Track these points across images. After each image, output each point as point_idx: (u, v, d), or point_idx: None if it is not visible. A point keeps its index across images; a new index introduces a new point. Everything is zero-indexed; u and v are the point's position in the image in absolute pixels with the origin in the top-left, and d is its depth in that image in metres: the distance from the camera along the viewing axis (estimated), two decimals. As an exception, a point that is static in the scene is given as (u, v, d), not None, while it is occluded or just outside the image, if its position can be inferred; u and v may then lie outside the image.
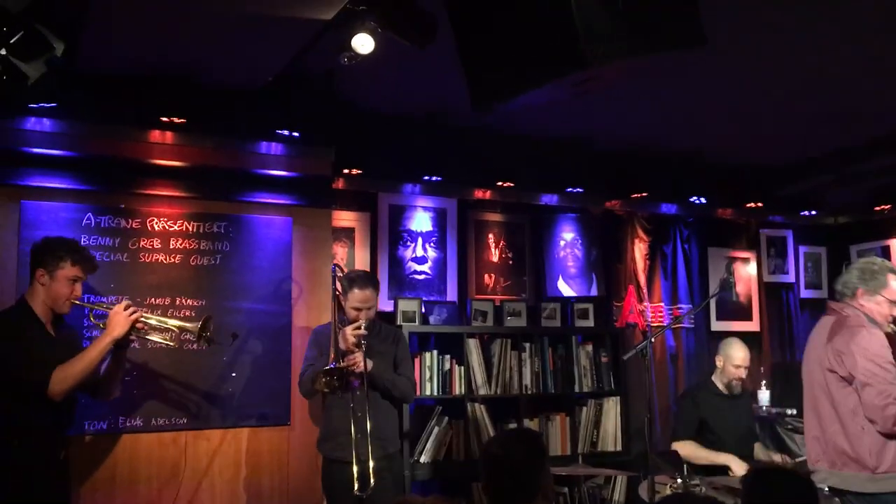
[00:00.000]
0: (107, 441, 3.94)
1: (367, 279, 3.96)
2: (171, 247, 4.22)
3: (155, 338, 3.67)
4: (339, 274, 3.91)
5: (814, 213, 6.45)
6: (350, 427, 3.67)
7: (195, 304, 4.22)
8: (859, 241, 6.35)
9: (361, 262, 5.01)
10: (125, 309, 3.41)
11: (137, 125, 4.12)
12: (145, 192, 4.20)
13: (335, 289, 3.85)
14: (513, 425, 4.90)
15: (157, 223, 4.21)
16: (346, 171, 4.89)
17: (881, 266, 3.63)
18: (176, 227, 4.24)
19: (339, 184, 4.91)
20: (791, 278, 6.44)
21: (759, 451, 4.73)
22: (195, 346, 3.97)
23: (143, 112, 4.10)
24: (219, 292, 4.27)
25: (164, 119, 4.13)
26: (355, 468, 3.62)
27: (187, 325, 3.64)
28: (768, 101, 4.50)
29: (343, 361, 3.68)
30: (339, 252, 4.95)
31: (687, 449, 4.50)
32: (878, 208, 6.20)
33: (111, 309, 3.45)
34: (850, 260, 6.29)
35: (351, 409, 3.70)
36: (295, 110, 4.33)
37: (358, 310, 3.86)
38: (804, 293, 6.48)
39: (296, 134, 4.43)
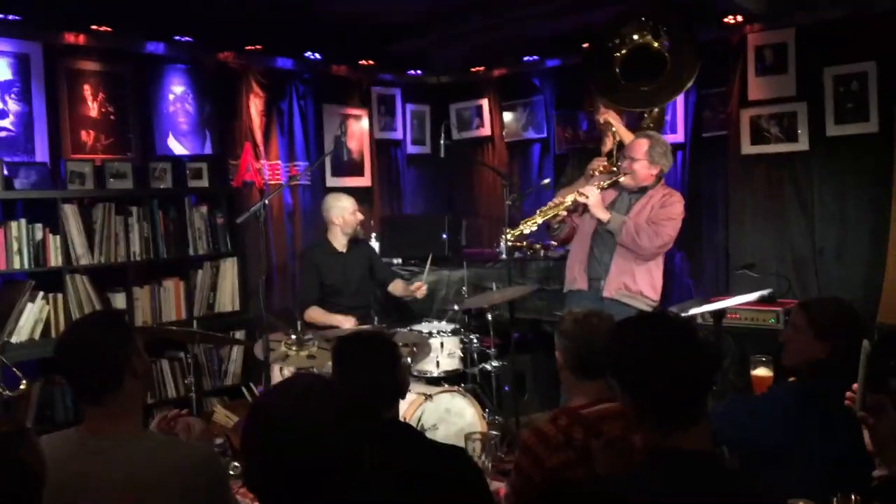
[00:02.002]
0: None
1: None
2: None
3: None
4: None
5: (419, 72, 6.80)
6: None
7: None
8: (457, 100, 6.88)
9: (-83, 115, 4.15)
10: None
11: None
12: None
13: None
14: (121, 294, 4.62)
15: None
16: None
17: None
18: None
19: None
20: (399, 135, 6.81)
21: (398, 286, 5.07)
22: None
23: None
24: None
25: None
26: None
27: None
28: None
29: None
30: None
31: (312, 314, 4.72)
32: (473, 69, 6.73)
33: None
34: (450, 118, 6.84)
35: None
36: None
37: None
38: (410, 149, 6.91)
39: None
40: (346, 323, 4.61)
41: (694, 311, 3.92)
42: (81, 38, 4.79)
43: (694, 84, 5.04)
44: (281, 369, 4.05)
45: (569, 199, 4.18)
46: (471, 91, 6.81)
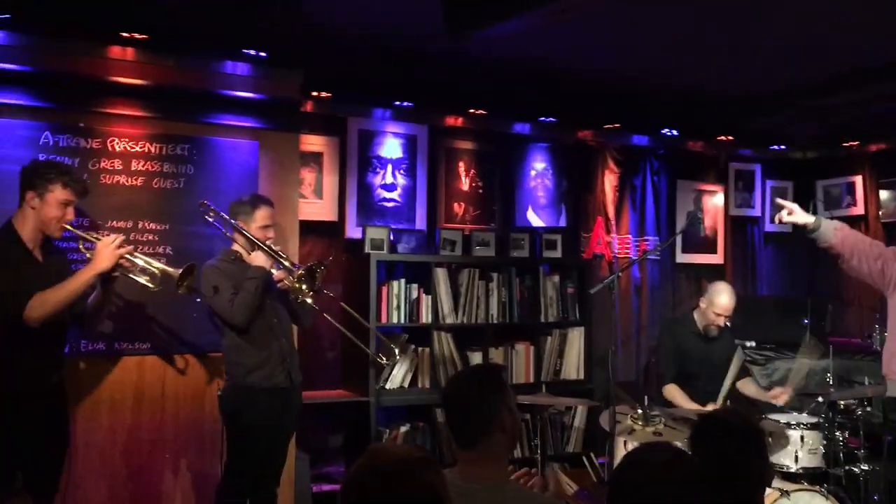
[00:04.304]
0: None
1: (265, 196, 4.02)
2: (133, 168, 4.09)
3: (138, 278, 3.52)
4: (212, 209, 3.90)
5: (783, 147, 6.46)
6: (281, 348, 3.82)
7: (158, 227, 4.13)
8: (825, 176, 6.39)
9: (330, 187, 4.93)
10: (113, 243, 3.30)
11: (96, 40, 3.93)
12: (105, 111, 4.04)
13: (234, 222, 3.83)
14: (478, 354, 4.95)
15: (118, 143, 4.06)
16: (314, 94, 4.76)
17: None
18: (138, 149, 4.10)
19: (308, 107, 4.79)
20: (757, 212, 6.50)
21: (750, 387, 4.78)
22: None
23: (103, 27, 3.90)
24: (182, 216, 4.17)
25: (125, 35, 3.94)
26: None
27: (169, 269, 3.52)
28: (739, 33, 4.40)
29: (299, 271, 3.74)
30: (307, 177, 4.86)
31: (672, 392, 4.56)
32: (845, 144, 6.22)
33: (100, 240, 3.35)
34: (816, 195, 6.36)
35: (281, 329, 3.85)
36: (262, 29, 4.17)
37: (268, 227, 3.86)
38: (769, 227, 6.54)
39: (262, 54, 4.28)
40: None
41: None
42: (460, 121, 5.36)
43: None
44: (625, 443, 4.01)
45: None
46: (842, 167, 6.30)
